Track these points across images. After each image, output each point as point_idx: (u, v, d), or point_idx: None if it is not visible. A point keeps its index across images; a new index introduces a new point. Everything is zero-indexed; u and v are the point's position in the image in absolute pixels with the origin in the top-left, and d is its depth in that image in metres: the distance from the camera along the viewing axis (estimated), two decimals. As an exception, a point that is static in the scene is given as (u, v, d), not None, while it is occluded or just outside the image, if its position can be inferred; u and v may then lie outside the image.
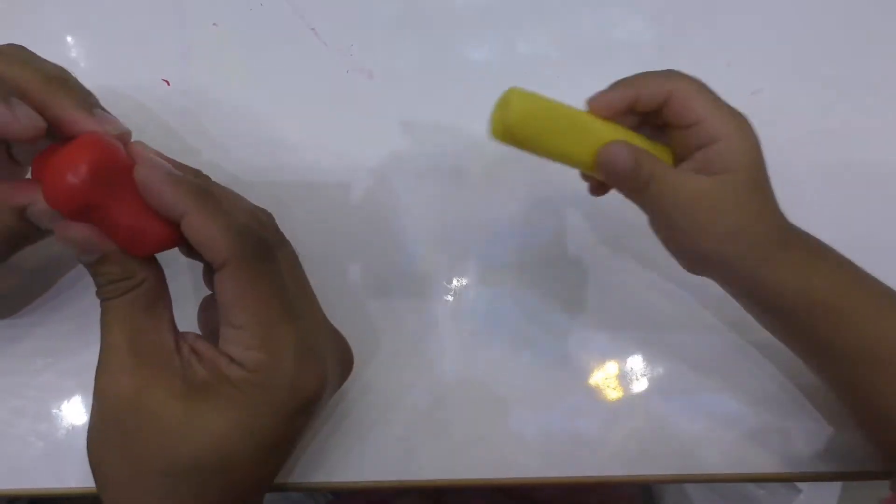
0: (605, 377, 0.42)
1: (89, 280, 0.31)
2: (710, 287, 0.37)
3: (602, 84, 0.33)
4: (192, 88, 0.44)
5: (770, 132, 0.41)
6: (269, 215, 0.34)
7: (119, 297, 0.30)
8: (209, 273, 0.33)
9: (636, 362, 0.42)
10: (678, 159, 0.35)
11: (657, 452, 0.40)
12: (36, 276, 0.41)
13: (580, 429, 0.41)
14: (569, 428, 0.41)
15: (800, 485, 0.87)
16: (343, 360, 0.36)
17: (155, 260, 0.32)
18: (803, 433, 0.41)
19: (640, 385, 0.41)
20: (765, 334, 0.39)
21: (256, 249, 0.31)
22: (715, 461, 0.40)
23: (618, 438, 0.40)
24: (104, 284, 0.31)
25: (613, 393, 0.41)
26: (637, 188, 0.33)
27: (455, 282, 0.42)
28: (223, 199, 0.31)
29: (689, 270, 0.36)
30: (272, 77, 0.45)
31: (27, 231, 0.31)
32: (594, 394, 0.41)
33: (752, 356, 0.42)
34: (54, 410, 0.39)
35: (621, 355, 0.42)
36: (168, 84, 0.44)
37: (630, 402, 0.41)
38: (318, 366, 0.32)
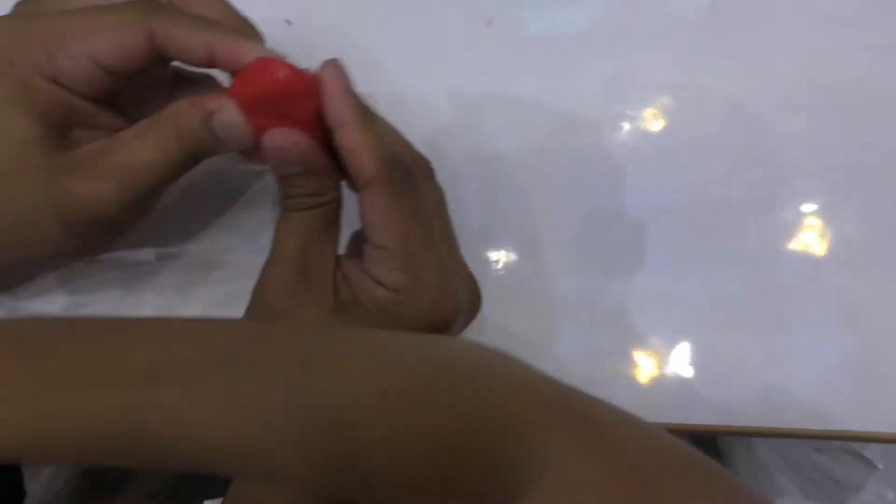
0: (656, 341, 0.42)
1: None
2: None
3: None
4: (313, 29, 0.46)
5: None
6: (426, 160, 0.36)
7: (305, 211, 0.33)
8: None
9: (690, 323, 0.42)
10: None
11: (731, 401, 0.41)
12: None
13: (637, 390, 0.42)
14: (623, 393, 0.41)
15: (877, 460, 0.85)
16: (473, 304, 0.37)
17: (339, 183, 0.34)
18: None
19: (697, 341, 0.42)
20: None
21: (402, 175, 0.33)
22: (794, 415, 0.41)
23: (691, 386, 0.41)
24: (295, 196, 0.33)
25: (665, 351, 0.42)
26: None
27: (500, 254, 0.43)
28: (379, 124, 0.33)
29: None
30: (391, 22, 0.46)
31: (208, 146, 0.33)
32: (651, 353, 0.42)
33: (844, 304, 0.42)
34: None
35: (678, 319, 0.42)
36: (290, 24, 0.46)
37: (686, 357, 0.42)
38: (455, 296, 0.34)
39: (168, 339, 0.24)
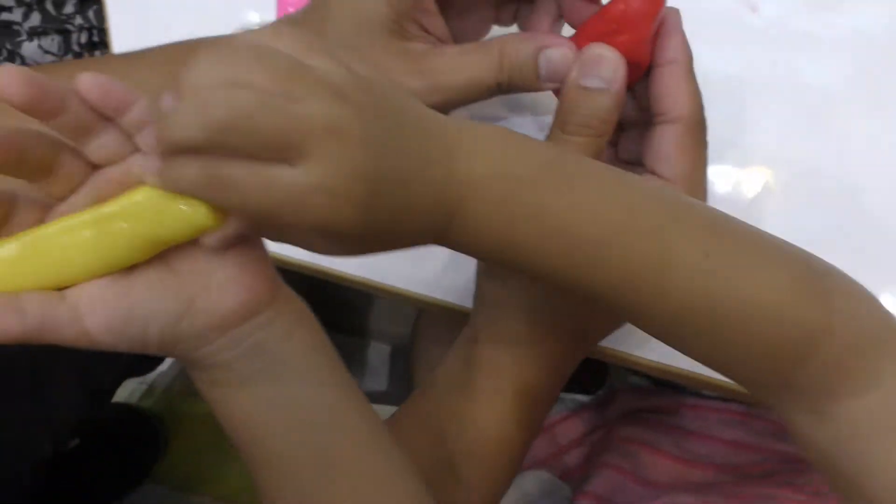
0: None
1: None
2: None
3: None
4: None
5: None
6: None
7: (587, 138, 0.34)
8: None
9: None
10: None
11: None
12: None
13: None
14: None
15: None
16: None
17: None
18: None
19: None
20: None
21: (702, 123, 0.36)
22: None
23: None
24: (581, 114, 0.34)
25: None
26: None
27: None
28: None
29: None
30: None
31: (526, 80, 0.35)
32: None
33: None
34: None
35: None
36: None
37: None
38: None
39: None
